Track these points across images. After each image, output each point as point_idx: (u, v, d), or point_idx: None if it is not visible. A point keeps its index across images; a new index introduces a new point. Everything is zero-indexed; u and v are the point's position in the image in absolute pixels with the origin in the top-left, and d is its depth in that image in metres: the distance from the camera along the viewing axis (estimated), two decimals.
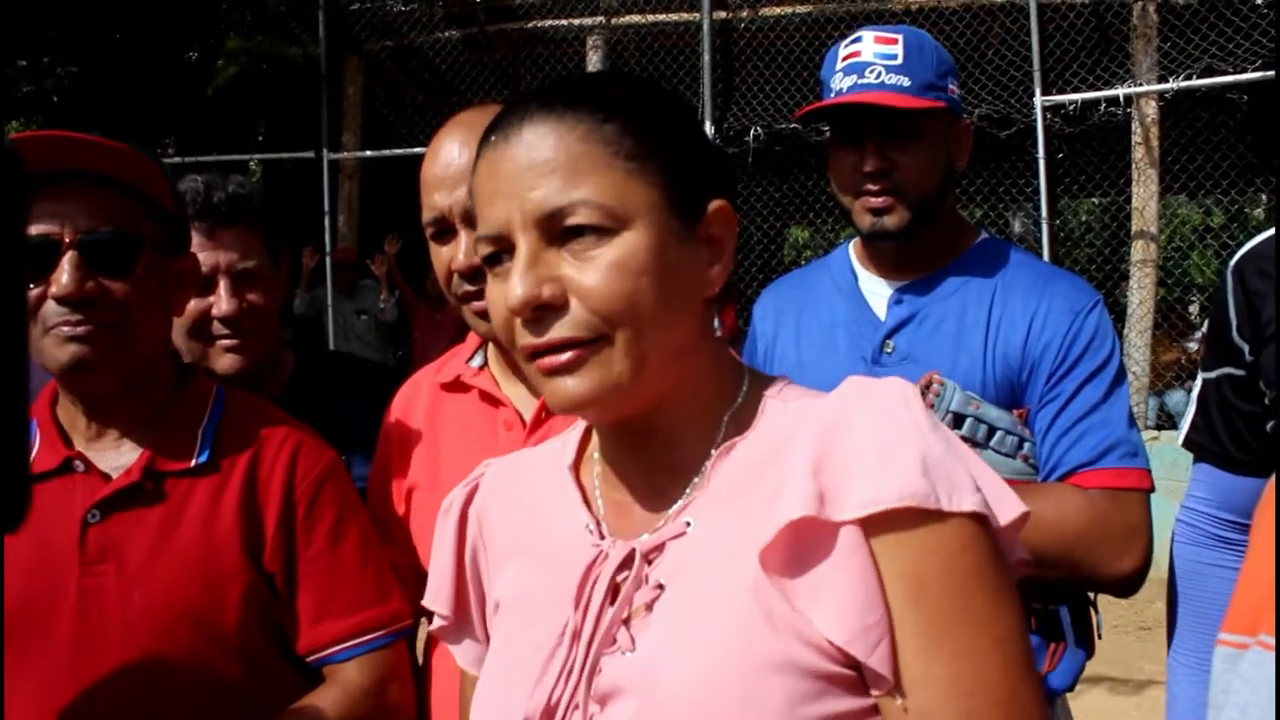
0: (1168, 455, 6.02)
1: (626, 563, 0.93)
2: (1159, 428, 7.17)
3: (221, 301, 1.75)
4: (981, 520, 0.83)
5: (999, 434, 1.59)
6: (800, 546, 0.83)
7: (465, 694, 1.13)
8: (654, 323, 0.87)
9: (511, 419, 1.51)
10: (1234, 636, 0.86)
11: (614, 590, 0.92)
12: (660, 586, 0.90)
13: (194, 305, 1.73)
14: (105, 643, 1.32)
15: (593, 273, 0.86)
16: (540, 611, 0.97)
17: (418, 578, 1.54)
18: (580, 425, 1.08)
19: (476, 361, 1.60)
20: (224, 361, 1.77)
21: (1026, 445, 1.62)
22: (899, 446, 0.83)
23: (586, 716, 0.89)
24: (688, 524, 0.92)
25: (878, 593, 0.82)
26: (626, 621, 0.91)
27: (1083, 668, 1.65)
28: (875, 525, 0.82)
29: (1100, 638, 1.71)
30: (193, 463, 1.40)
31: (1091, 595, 1.70)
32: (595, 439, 1.04)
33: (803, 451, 0.85)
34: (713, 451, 0.94)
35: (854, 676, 0.83)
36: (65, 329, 1.31)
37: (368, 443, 1.67)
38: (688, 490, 0.94)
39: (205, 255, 1.72)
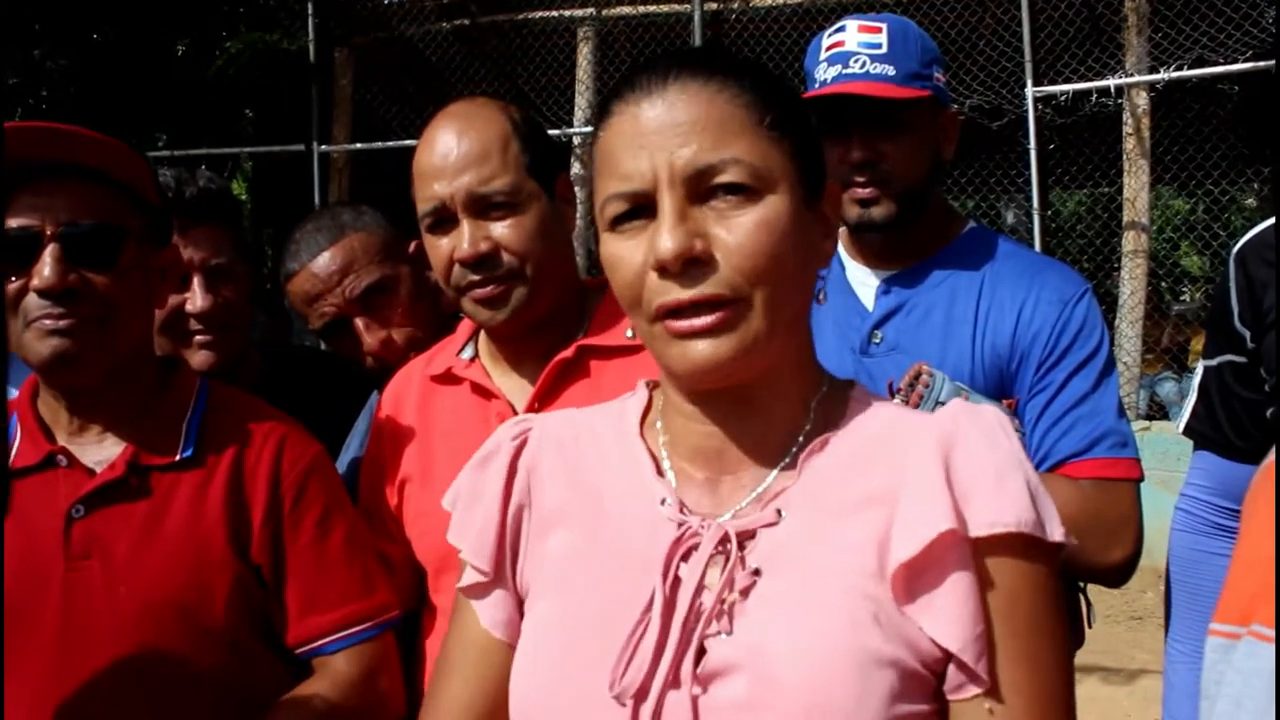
0: (1159, 445, 6.04)
1: (722, 543, 0.92)
2: (1150, 418, 7.18)
3: (196, 297, 1.74)
4: (1061, 548, 0.89)
5: None
6: (923, 554, 0.86)
7: (439, 675, 1.07)
8: (790, 286, 0.90)
9: (504, 410, 1.50)
10: (1226, 627, 0.86)
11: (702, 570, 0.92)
12: (757, 572, 0.90)
13: (167, 302, 1.71)
14: (91, 638, 1.32)
15: (740, 231, 0.87)
16: (601, 582, 0.95)
17: (409, 569, 1.54)
18: (641, 393, 1.06)
19: (467, 353, 1.59)
20: (198, 358, 1.76)
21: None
22: (1012, 472, 0.89)
23: (690, 697, 0.87)
24: (779, 512, 0.92)
25: (981, 604, 0.87)
26: (720, 604, 0.90)
27: (1073, 657, 1.65)
28: (989, 543, 0.87)
29: (1091, 627, 1.71)
30: (177, 456, 1.39)
31: (1082, 585, 1.69)
32: (657, 407, 1.03)
33: (929, 465, 0.89)
34: (800, 438, 0.95)
35: (933, 681, 0.87)
36: (47, 322, 1.30)
37: (339, 438, 1.66)
38: (773, 474, 0.95)
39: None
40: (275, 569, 1.41)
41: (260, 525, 1.40)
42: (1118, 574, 1.59)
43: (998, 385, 1.63)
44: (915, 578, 0.87)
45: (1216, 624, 0.88)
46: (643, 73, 0.92)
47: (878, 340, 1.70)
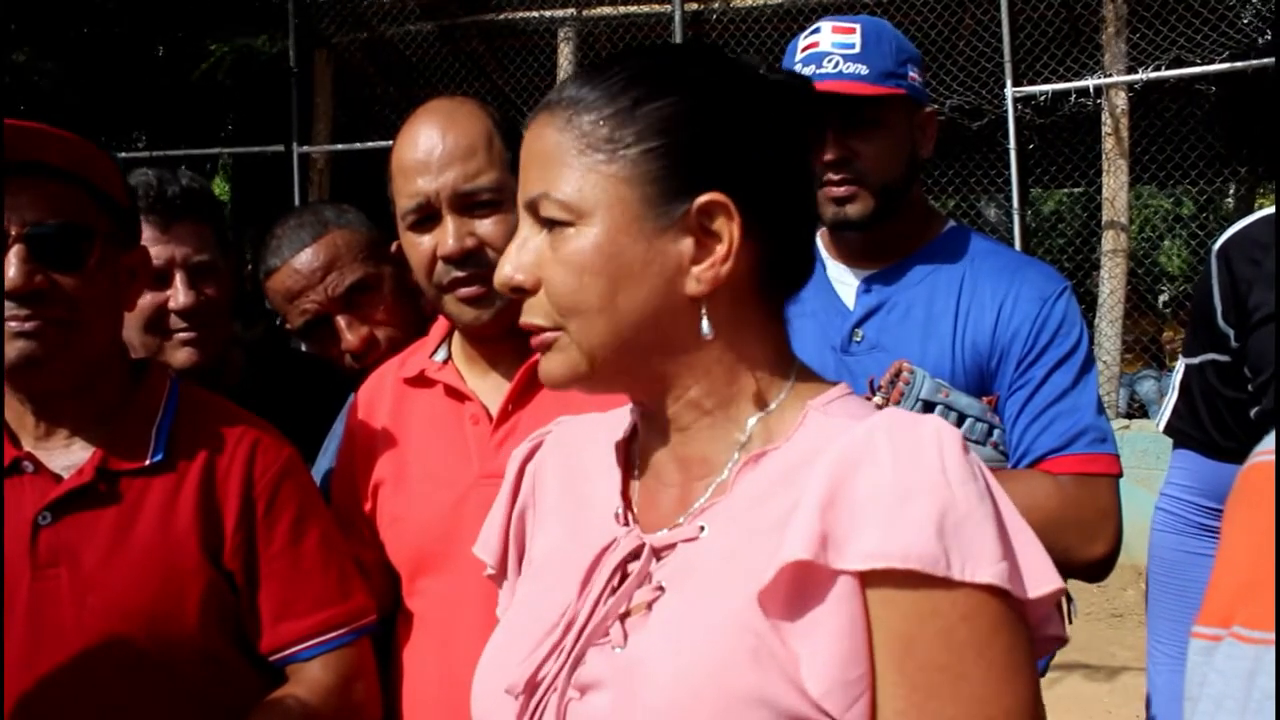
0: (1139, 443, 6.08)
1: (635, 555, 0.92)
2: (1130, 416, 7.23)
3: (179, 294, 1.72)
4: (998, 591, 0.78)
5: (969, 421, 1.59)
6: (797, 584, 0.80)
7: None
8: (602, 312, 0.89)
9: (478, 413, 1.49)
10: (1209, 629, 0.85)
11: (622, 580, 0.92)
12: (661, 588, 0.89)
13: (149, 299, 1.70)
14: (60, 649, 1.29)
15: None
16: (557, 580, 0.97)
17: (383, 574, 1.52)
18: None
19: (440, 355, 1.58)
20: (180, 355, 1.74)
21: (996, 432, 1.62)
22: (917, 497, 0.78)
23: (563, 701, 0.89)
24: (702, 528, 0.90)
25: (864, 647, 0.79)
26: (625, 616, 0.90)
27: (1054, 655, 1.65)
28: (873, 578, 0.79)
29: (1071, 623, 1.71)
30: (147, 461, 1.37)
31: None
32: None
33: (817, 483, 0.82)
34: (737, 455, 0.92)
35: None
36: (13, 324, 1.27)
37: (319, 439, 1.64)
38: (709, 491, 0.92)
39: (160, 249, 1.70)
40: (248, 575, 1.39)
41: (233, 531, 1.38)
42: (1098, 569, 1.59)
43: (978, 382, 1.64)
44: (791, 610, 0.81)
45: (1199, 626, 0.88)
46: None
47: (859, 339, 1.70)
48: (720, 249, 0.88)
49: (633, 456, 1.02)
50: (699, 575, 0.88)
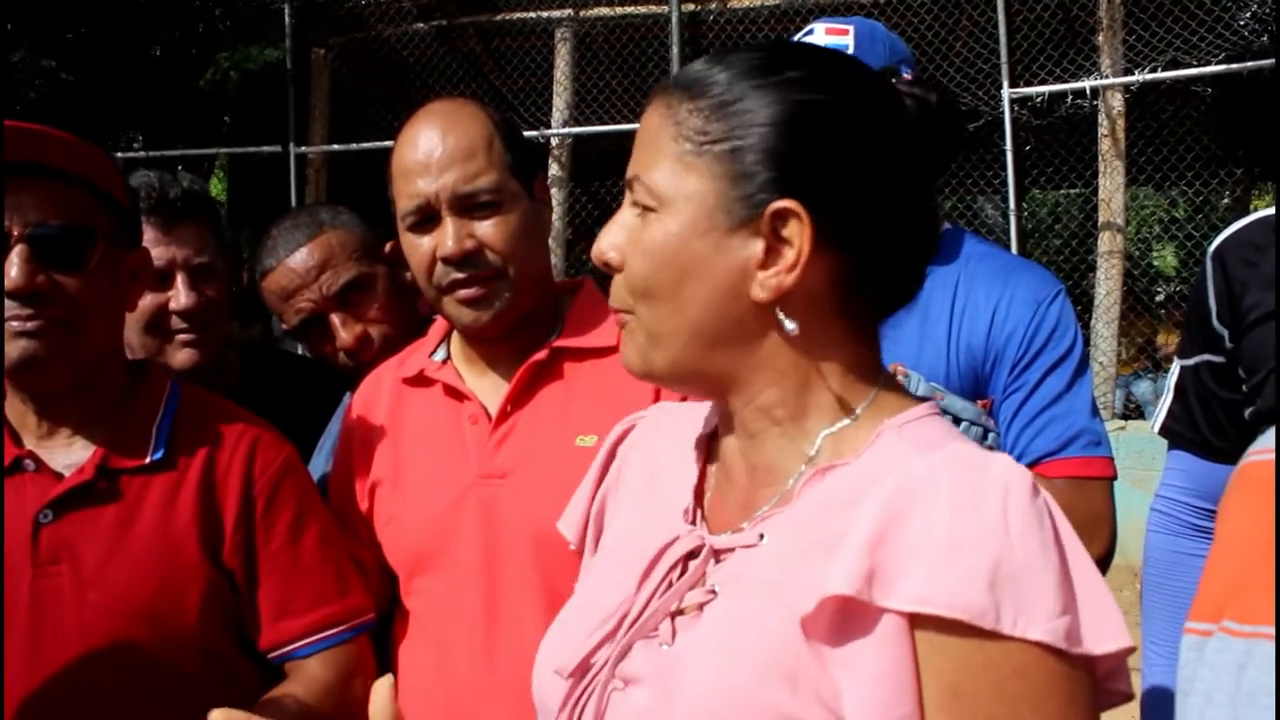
0: (1134, 444, 6.09)
1: (695, 554, 0.92)
2: (1125, 417, 7.24)
3: (180, 295, 1.74)
4: (1054, 649, 0.75)
5: (964, 425, 1.60)
6: (841, 615, 0.79)
7: None
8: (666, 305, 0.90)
9: (477, 413, 1.50)
10: (1200, 624, 0.86)
11: (680, 577, 0.93)
12: (714, 592, 0.89)
13: (150, 300, 1.71)
14: (61, 645, 1.30)
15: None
16: (621, 569, 0.98)
17: (380, 573, 1.53)
18: None
19: (439, 355, 1.58)
20: (181, 356, 1.75)
21: (991, 436, 1.62)
22: (971, 545, 0.76)
23: (607, 689, 0.91)
24: (761, 536, 0.89)
25: (911, 686, 0.77)
26: (677, 613, 0.90)
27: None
28: (922, 621, 0.76)
29: None
30: (148, 459, 1.37)
31: None
32: None
33: (870, 515, 0.79)
34: (804, 467, 0.90)
35: None
36: (15, 324, 1.28)
37: (313, 440, 1.65)
38: (773, 500, 0.92)
39: (161, 250, 1.71)
40: (248, 573, 1.40)
41: (232, 529, 1.38)
42: None
43: (972, 385, 1.64)
44: (836, 639, 0.79)
45: (1191, 622, 0.89)
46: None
47: None
48: (788, 257, 0.86)
49: (713, 454, 1.01)
50: (751, 584, 0.87)
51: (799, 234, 0.86)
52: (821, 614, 0.79)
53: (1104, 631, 0.77)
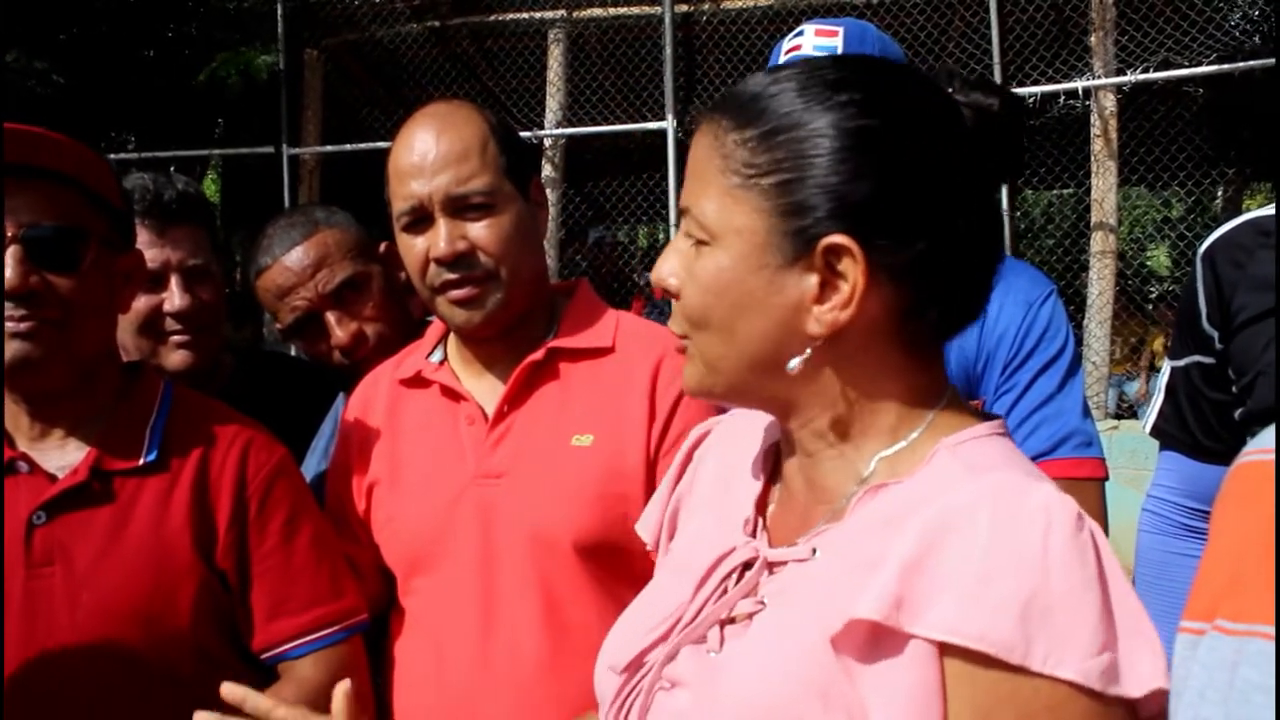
0: (1128, 444, 6.10)
1: (750, 565, 0.93)
2: (1119, 417, 7.26)
3: (174, 297, 1.74)
4: (1087, 689, 0.74)
5: None
6: (871, 637, 0.79)
7: None
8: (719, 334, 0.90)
9: (474, 413, 1.50)
10: (1194, 624, 0.86)
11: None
12: (763, 603, 0.90)
13: (144, 302, 1.71)
14: (54, 646, 1.29)
15: None
16: (682, 573, 0.99)
17: (376, 573, 1.53)
18: None
19: (436, 356, 1.59)
20: (175, 358, 1.75)
21: None
22: (1005, 577, 0.74)
23: (653, 690, 0.94)
24: (814, 551, 0.90)
25: (938, 710, 0.76)
26: (728, 621, 0.92)
27: None
28: (951, 650, 0.76)
29: None
30: (141, 461, 1.37)
31: None
32: None
33: (907, 541, 0.79)
34: (857, 488, 0.90)
35: None
36: (8, 325, 1.28)
37: (306, 441, 1.65)
38: (828, 516, 0.92)
39: (155, 252, 1.71)
40: (241, 574, 1.39)
41: (225, 530, 1.38)
42: None
43: (964, 386, 1.64)
44: (867, 659, 0.79)
45: (1185, 621, 0.89)
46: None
47: None
48: (843, 292, 0.85)
49: (779, 466, 1.02)
50: (800, 598, 0.87)
51: (853, 269, 0.84)
52: (851, 634, 0.79)
53: (1147, 671, 0.76)
